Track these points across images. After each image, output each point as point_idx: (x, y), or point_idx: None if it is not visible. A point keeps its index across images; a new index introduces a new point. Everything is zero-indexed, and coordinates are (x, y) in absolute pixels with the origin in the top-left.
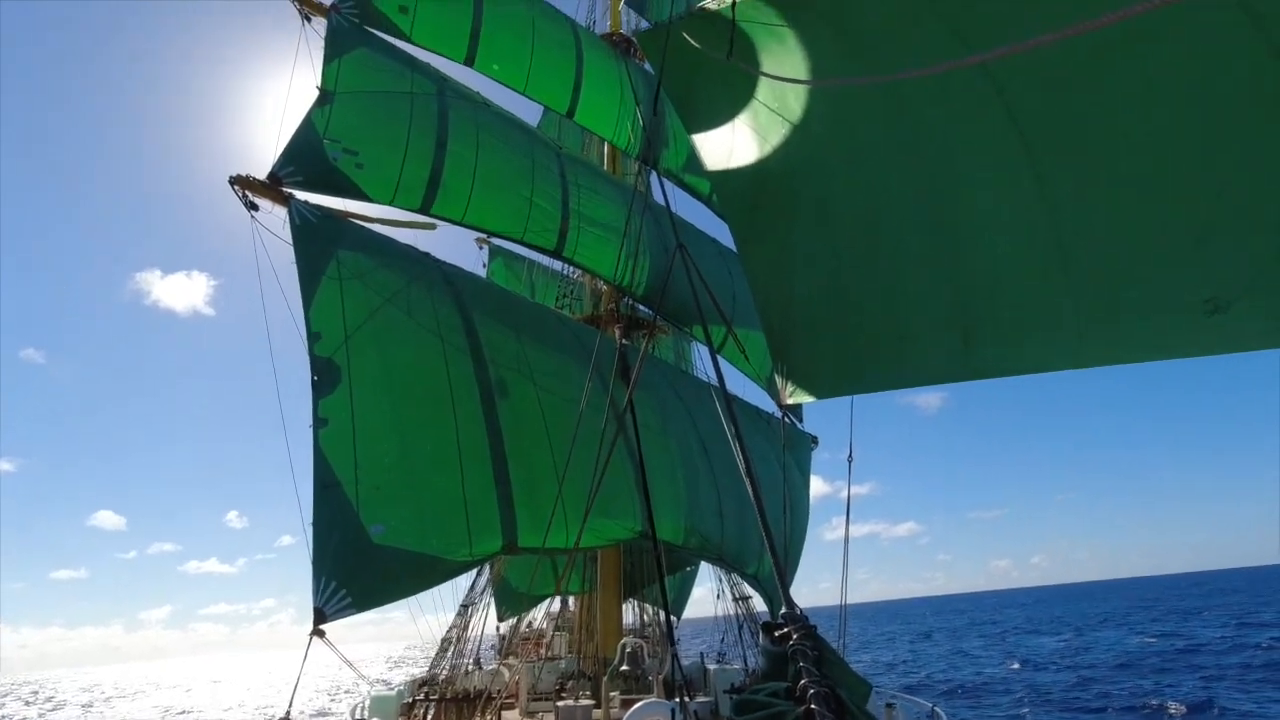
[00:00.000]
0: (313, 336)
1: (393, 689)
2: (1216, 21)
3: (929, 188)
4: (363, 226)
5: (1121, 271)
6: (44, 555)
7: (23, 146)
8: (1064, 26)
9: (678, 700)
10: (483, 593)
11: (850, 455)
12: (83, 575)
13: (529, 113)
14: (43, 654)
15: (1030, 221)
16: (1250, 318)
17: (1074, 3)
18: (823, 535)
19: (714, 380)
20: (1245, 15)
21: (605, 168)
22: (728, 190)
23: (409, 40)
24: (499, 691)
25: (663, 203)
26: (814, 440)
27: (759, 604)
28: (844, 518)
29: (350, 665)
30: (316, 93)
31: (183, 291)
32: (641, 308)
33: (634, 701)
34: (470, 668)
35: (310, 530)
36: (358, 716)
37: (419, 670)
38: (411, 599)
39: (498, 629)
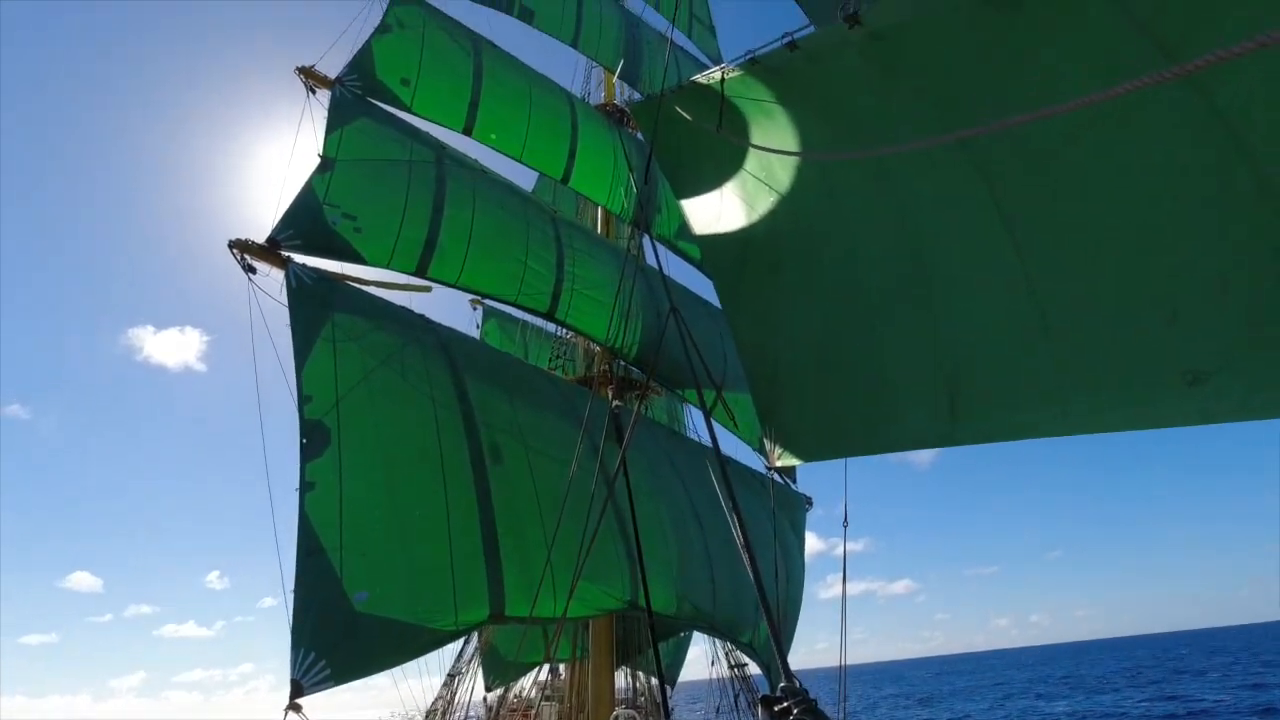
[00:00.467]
0: (304, 399)
1: None
2: (1176, 106)
3: (913, 256)
4: (359, 289)
5: (1101, 343)
6: (13, 619)
7: (19, 195)
8: (1038, 108)
9: None
10: (470, 661)
11: (845, 520)
12: (53, 640)
13: (525, 178)
14: None
15: (1012, 292)
16: (1231, 391)
17: (1045, 87)
18: (818, 593)
19: (708, 443)
20: (1205, 101)
21: (600, 231)
22: (715, 255)
23: (410, 111)
24: None
25: (656, 265)
26: (808, 501)
27: (755, 667)
28: (839, 575)
29: None
30: (318, 160)
31: (175, 347)
32: (634, 369)
33: None
34: None
35: (290, 598)
36: None
37: None
38: None
39: (484, 699)
